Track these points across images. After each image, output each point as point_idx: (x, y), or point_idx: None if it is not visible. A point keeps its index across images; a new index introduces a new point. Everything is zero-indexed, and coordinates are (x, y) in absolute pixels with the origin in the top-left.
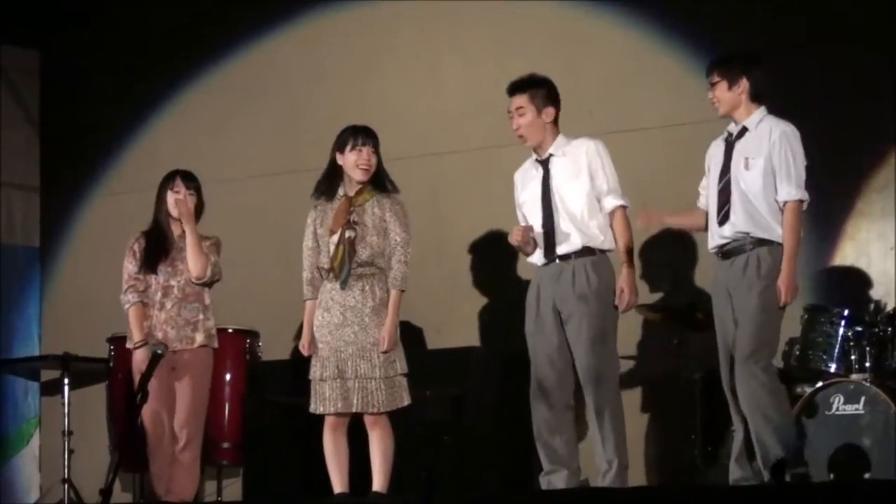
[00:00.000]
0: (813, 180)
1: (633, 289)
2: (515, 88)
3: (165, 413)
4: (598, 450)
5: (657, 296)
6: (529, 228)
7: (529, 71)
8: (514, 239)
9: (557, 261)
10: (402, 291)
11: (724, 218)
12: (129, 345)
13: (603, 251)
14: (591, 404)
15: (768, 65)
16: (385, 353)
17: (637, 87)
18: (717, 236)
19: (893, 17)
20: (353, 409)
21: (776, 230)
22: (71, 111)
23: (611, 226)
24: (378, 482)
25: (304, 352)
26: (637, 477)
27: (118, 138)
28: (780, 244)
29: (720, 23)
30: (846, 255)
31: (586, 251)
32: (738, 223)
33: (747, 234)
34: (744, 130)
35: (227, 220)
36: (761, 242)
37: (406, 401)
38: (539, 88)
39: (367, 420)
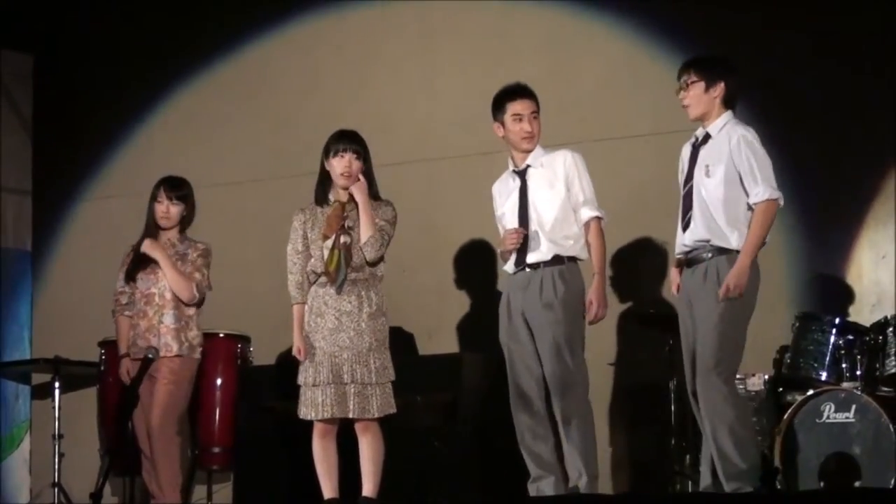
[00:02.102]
0: (806, 189)
1: (601, 301)
2: (530, 94)
3: (145, 419)
4: (567, 459)
5: (648, 303)
6: (522, 231)
7: (522, 77)
8: (511, 243)
9: (527, 269)
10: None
11: (686, 225)
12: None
13: (573, 259)
14: (559, 412)
15: (759, 75)
16: (374, 353)
17: (628, 94)
18: (680, 243)
19: (893, 27)
20: (350, 415)
21: (735, 239)
22: (63, 116)
23: (585, 237)
24: (368, 488)
25: (300, 357)
26: (627, 484)
27: (110, 143)
28: (739, 254)
29: (714, 31)
30: (837, 263)
31: (556, 260)
32: (697, 230)
33: (707, 241)
34: (707, 137)
35: (219, 224)
36: (720, 251)
37: (394, 408)
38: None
39: (359, 426)
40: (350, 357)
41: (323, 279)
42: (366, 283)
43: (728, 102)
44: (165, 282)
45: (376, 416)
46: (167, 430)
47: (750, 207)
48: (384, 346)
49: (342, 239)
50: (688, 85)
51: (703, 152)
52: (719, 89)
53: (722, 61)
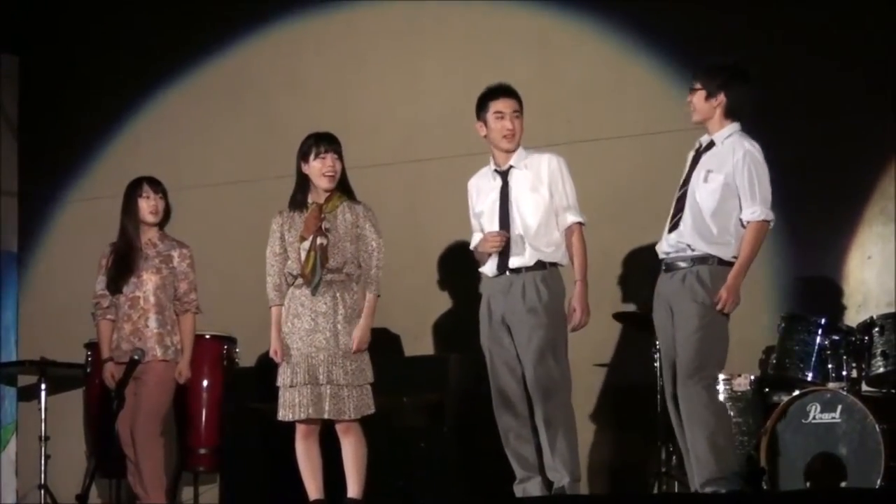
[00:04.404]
0: (792, 191)
1: (584, 307)
2: (513, 93)
3: (129, 422)
4: (549, 462)
5: (634, 304)
6: (505, 235)
7: (508, 78)
8: (493, 247)
9: (508, 273)
10: (378, 296)
11: (673, 226)
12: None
13: (554, 265)
14: (542, 416)
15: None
16: (355, 353)
17: (615, 95)
18: (664, 244)
19: (887, 29)
20: (325, 416)
21: (720, 248)
22: (49, 116)
23: (567, 242)
24: (353, 489)
25: (277, 359)
26: (613, 484)
27: (96, 144)
28: (721, 263)
29: (702, 31)
30: (824, 264)
31: (538, 265)
32: (684, 233)
33: (689, 246)
34: (711, 144)
35: (205, 225)
36: (702, 260)
37: (372, 409)
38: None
39: (339, 427)
40: (326, 358)
41: (300, 281)
42: (341, 285)
43: (732, 114)
44: (150, 285)
45: (352, 417)
46: (150, 432)
47: (742, 223)
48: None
49: (318, 241)
50: (693, 91)
51: (706, 158)
52: (719, 100)
53: (727, 72)
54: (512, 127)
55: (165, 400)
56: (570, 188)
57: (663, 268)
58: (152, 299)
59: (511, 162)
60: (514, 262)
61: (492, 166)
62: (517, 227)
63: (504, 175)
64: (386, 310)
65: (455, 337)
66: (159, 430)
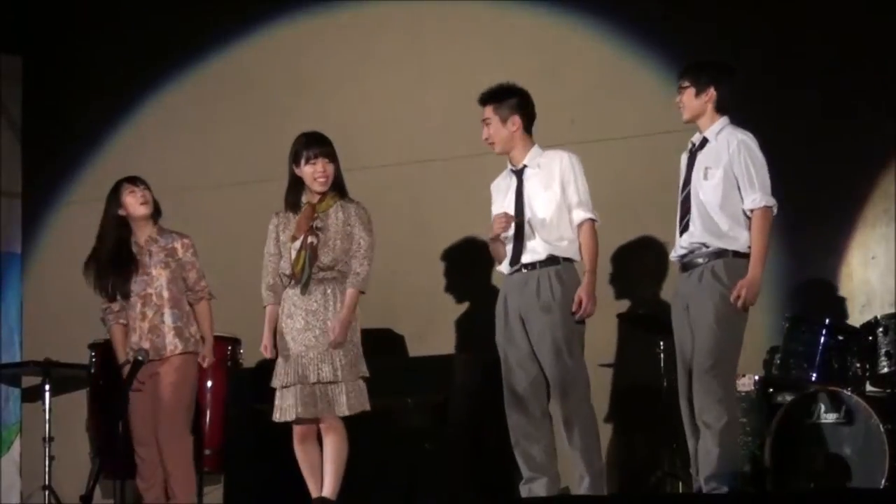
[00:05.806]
0: (796, 191)
1: (591, 297)
2: (482, 99)
3: (153, 420)
4: (571, 459)
5: (638, 304)
6: (511, 216)
7: (512, 79)
8: (500, 227)
9: (523, 270)
10: (362, 293)
11: (683, 229)
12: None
13: (568, 260)
14: (560, 414)
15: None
16: (336, 347)
17: (619, 95)
18: (678, 247)
19: (887, 29)
20: (318, 415)
21: (733, 241)
22: (53, 117)
23: (578, 237)
24: (328, 488)
25: (266, 354)
26: (617, 484)
27: (100, 144)
28: (737, 256)
29: (704, 33)
30: (827, 264)
31: (551, 260)
32: (695, 234)
33: (703, 244)
34: (705, 141)
35: (209, 226)
36: (718, 255)
37: (367, 406)
38: (505, 99)
39: (323, 425)
40: (315, 356)
41: (293, 280)
42: (333, 282)
43: (721, 108)
44: (162, 280)
45: (346, 413)
46: (177, 430)
47: (746, 213)
48: (352, 343)
49: (309, 240)
50: (682, 89)
51: (702, 156)
52: (709, 95)
53: (714, 67)
54: (485, 135)
55: (189, 392)
56: (582, 185)
57: (680, 268)
58: (166, 294)
59: (525, 161)
60: (526, 256)
61: (508, 166)
62: (530, 224)
63: (519, 174)
64: (390, 310)
65: (459, 337)
66: (187, 427)
